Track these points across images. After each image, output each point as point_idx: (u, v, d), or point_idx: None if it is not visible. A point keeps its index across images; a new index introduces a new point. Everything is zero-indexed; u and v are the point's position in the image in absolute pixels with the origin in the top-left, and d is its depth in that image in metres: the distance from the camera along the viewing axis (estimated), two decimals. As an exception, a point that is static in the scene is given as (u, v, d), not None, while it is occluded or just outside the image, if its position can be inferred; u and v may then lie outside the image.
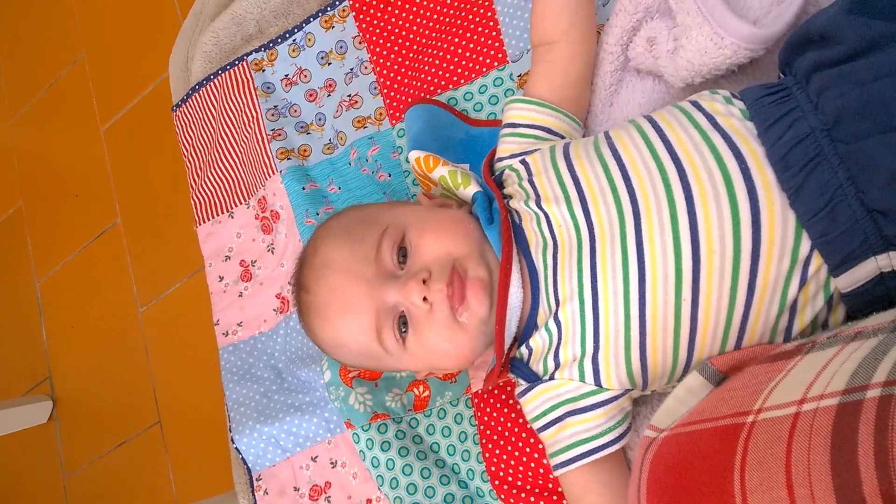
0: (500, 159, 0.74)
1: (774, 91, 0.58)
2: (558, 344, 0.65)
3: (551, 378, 0.67)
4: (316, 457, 0.94)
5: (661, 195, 0.59)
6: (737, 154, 0.57)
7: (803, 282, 0.57)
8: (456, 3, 0.89)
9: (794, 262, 0.56)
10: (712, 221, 0.57)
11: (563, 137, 0.73)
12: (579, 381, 0.65)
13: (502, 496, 0.79)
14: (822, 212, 0.54)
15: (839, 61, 0.54)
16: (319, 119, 1.00)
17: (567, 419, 0.67)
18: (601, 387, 0.65)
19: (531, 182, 0.68)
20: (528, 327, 0.67)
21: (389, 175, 0.93)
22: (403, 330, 0.68)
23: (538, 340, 0.67)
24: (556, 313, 0.64)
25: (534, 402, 0.69)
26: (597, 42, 0.77)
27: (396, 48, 0.94)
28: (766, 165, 0.56)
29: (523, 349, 0.69)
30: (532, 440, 0.78)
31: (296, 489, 0.95)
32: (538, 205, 0.66)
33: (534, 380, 0.69)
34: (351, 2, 0.96)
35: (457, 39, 0.89)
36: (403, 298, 0.66)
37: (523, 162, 0.70)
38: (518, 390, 0.71)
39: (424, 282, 0.65)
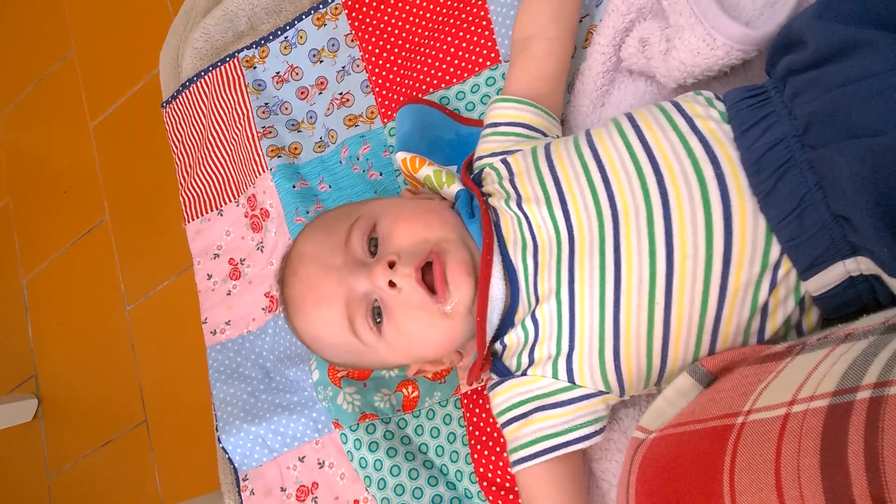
0: (480, 157, 0.74)
1: (754, 94, 0.59)
2: (534, 342, 0.65)
3: (523, 374, 0.67)
4: (303, 457, 0.94)
5: (639, 199, 0.59)
6: (713, 159, 0.57)
7: (773, 285, 0.57)
8: (449, 3, 0.89)
9: (764, 265, 0.56)
10: (686, 226, 0.57)
11: (543, 134, 0.74)
12: (552, 378, 0.65)
13: (490, 497, 0.79)
14: (791, 216, 0.54)
15: (808, 66, 0.55)
16: (310, 117, 1.00)
17: (534, 415, 0.66)
18: (574, 384, 0.64)
19: (512, 183, 0.68)
20: (504, 324, 0.67)
21: (381, 174, 0.93)
22: (378, 319, 0.67)
23: (513, 337, 0.66)
24: (533, 312, 0.64)
25: (503, 396, 0.68)
26: (574, 44, 0.78)
27: (389, 47, 0.94)
28: (740, 170, 0.57)
29: (497, 345, 0.69)
30: (521, 441, 0.78)
31: (283, 489, 0.94)
32: (518, 205, 0.66)
33: (506, 374, 0.69)
34: (343, -1, 0.96)
35: (449, 38, 0.89)
36: (372, 284, 0.65)
37: (504, 161, 0.70)
38: (489, 384, 0.71)
39: (392, 266, 0.64)
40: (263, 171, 0.99)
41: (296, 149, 1.00)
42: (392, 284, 0.64)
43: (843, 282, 0.55)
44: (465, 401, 0.84)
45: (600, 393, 0.65)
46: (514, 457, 0.68)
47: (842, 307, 0.57)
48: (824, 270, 0.55)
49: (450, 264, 0.65)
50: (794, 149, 0.54)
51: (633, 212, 0.59)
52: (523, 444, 0.67)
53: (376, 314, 0.67)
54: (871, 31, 0.51)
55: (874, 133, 0.49)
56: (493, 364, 0.70)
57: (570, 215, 0.62)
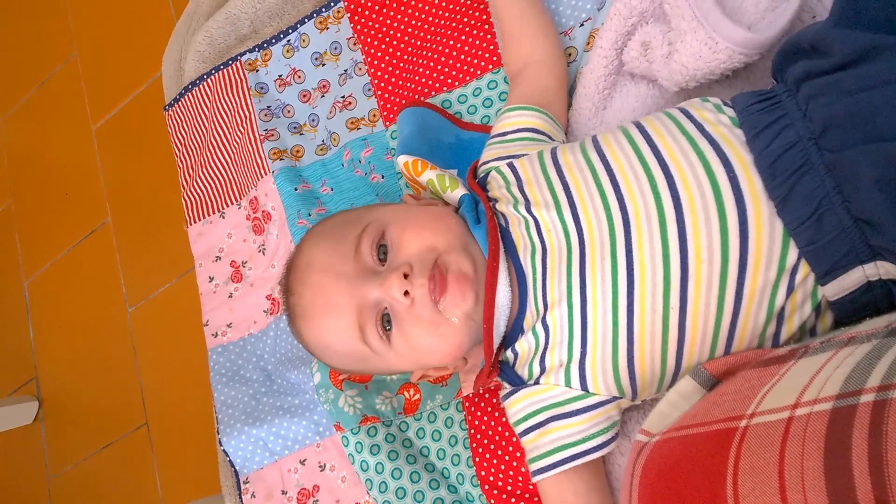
0: (486, 162, 0.74)
1: (764, 98, 0.58)
2: (545, 349, 0.65)
3: (536, 383, 0.67)
4: (304, 460, 0.93)
5: (650, 202, 0.59)
6: (725, 161, 0.57)
7: (790, 290, 0.57)
8: (451, 6, 0.89)
9: (781, 270, 0.56)
10: (700, 230, 0.57)
11: (549, 138, 0.74)
12: (565, 386, 0.65)
13: (492, 501, 0.79)
14: (809, 220, 0.54)
15: (828, 71, 0.54)
16: (313, 120, 1.00)
17: (550, 424, 0.66)
18: (588, 391, 0.64)
19: (520, 189, 0.67)
20: (514, 330, 0.67)
21: (383, 177, 0.93)
22: (388, 327, 0.67)
23: (524, 344, 0.66)
24: (543, 317, 0.64)
25: (517, 406, 0.68)
26: (564, 58, 0.80)
27: (391, 50, 0.94)
28: (753, 173, 0.56)
29: (509, 353, 0.68)
30: (522, 444, 0.78)
31: (283, 492, 0.94)
32: (528, 210, 0.66)
33: (519, 384, 0.68)
34: (346, 3, 0.96)
35: (451, 42, 0.89)
36: (384, 294, 0.65)
37: (510, 166, 0.70)
38: (502, 393, 0.70)
39: (406, 276, 0.64)
40: (265, 174, 0.99)
41: (298, 151, 1.00)
42: (406, 294, 0.64)
43: (860, 286, 0.55)
44: (467, 404, 0.84)
45: (613, 399, 0.64)
46: (533, 466, 0.68)
47: (857, 312, 0.57)
48: (843, 275, 0.55)
49: (451, 274, 0.65)
50: (811, 152, 0.54)
51: (645, 215, 0.59)
52: (542, 454, 0.67)
53: (386, 322, 0.67)
54: (892, 37, 0.51)
55: None
56: (505, 373, 0.70)
57: (580, 219, 0.62)
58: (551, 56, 0.77)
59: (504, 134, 0.75)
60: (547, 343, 0.64)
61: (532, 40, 0.77)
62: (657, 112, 0.65)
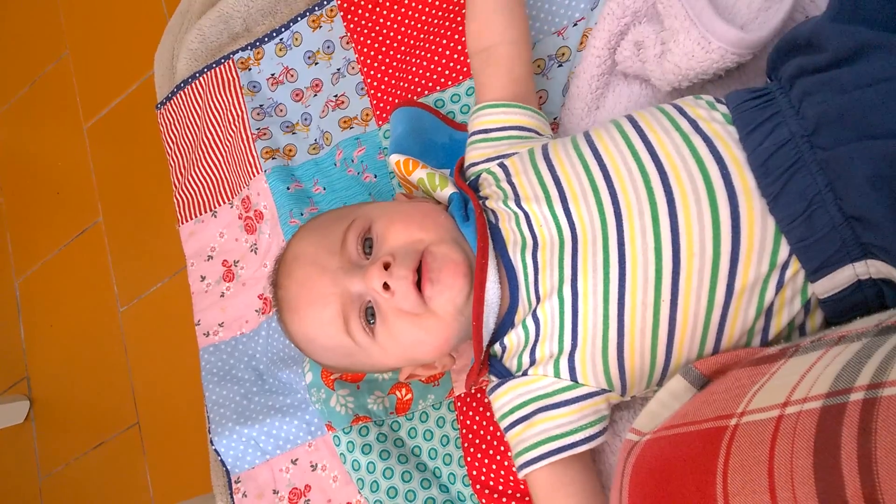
0: (475, 164, 0.73)
1: (758, 96, 0.59)
2: (535, 341, 0.65)
3: (524, 374, 0.66)
4: (296, 459, 0.93)
5: (643, 197, 0.59)
6: (718, 159, 0.57)
7: (780, 286, 0.57)
8: (444, 5, 0.89)
9: (772, 266, 0.56)
10: (693, 224, 0.57)
11: (537, 134, 0.73)
12: (554, 377, 0.65)
13: (483, 500, 0.79)
14: (801, 217, 0.54)
15: (822, 68, 0.55)
16: (305, 119, 0.99)
17: (537, 416, 0.65)
18: (577, 382, 0.64)
19: (510, 182, 0.67)
20: (503, 325, 0.67)
21: (375, 176, 0.93)
22: (371, 321, 0.67)
23: (513, 338, 0.66)
24: (535, 310, 0.64)
25: (504, 398, 0.67)
26: (531, 44, 0.78)
27: (384, 49, 0.94)
28: (746, 171, 0.56)
29: (497, 346, 0.68)
30: (514, 444, 0.78)
31: (275, 492, 0.94)
32: (517, 204, 0.65)
33: (506, 375, 0.68)
34: (339, 2, 0.96)
35: (444, 41, 0.89)
36: (366, 286, 0.65)
37: (501, 165, 0.70)
38: (489, 387, 0.70)
39: (387, 267, 0.63)
40: (258, 173, 0.99)
41: (290, 151, 1.00)
42: (386, 287, 0.63)
43: (850, 285, 0.55)
44: (459, 403, 0.84)
45: (602, 391, 0.64)
46: (519, 460, 0.67)
47: (847, 311, 0.57)
48: (833, 273, 0.55)
49: (443, 264, 0.64)
50: (803, 149, 0.54)
51: (637, 210, 0.59)
52: (528, 446, 0.66)
53: (369, 315, 0.67)
54: (887, 35, 0.52)
55: (893, 135, 0.49)
56: (492, 366, 0.70)
57: (572, 213, 0.62)
58: (525, 41, 0.75)
59: (487, 131, 0.74)
60: (537, 336, 0.64)
61: (509, 18, 0.74)
62: (650, 107, 0.65)
